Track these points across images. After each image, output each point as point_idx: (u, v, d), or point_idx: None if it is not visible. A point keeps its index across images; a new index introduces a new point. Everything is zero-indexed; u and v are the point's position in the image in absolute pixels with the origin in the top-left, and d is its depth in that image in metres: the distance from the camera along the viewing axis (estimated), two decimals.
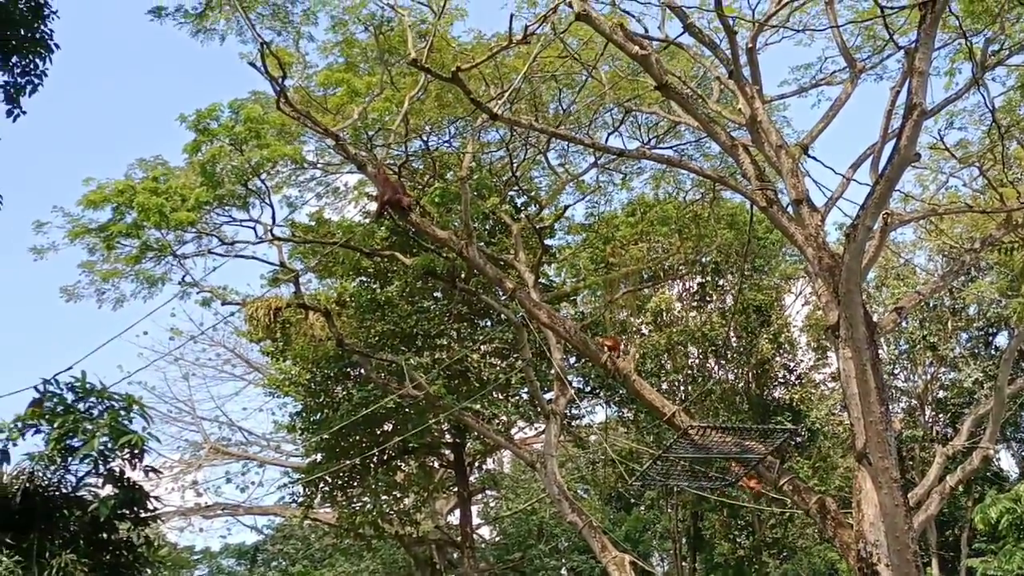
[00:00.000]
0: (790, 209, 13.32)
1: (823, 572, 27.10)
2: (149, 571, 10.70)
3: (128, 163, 20.78)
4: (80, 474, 10.60)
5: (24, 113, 11.00)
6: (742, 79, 13.64)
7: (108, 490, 10.50)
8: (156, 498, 10.99)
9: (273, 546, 43.50)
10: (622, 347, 16.31)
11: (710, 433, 13.49)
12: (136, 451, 10.44)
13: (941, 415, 32.00)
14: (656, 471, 14.28)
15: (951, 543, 30.52)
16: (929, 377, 32.20)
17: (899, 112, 12.97)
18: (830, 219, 14.51)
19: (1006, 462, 34.12)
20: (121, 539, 10.57)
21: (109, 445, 10.33)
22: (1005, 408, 21.68)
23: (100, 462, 10.42)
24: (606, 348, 15.09)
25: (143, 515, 10.77)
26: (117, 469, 10.61)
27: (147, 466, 10.89)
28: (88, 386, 10.71)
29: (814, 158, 14.02)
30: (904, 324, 31.46)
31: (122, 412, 10.50)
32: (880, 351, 31.43)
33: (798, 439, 29.27)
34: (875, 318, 13.60)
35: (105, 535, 10.37)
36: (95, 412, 10.43)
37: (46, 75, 11.06)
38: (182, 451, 36.36)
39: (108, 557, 10.34)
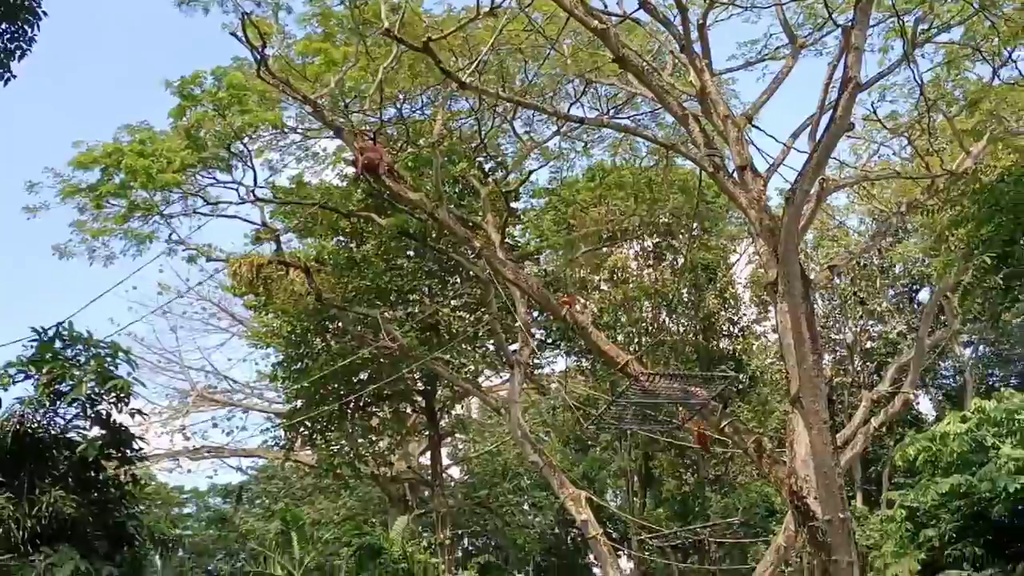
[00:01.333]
0: (735, 175, 13.38)
1: (759, 504, 27.60)
2: (137, 508, 10.59)
3: (116, 127, 20.41)
4: (68, 417, 10.47)
5: (14, 77, 10.73)
6: (693, 53, 13.62)
7: (96, 432, 10.38)
8: (142, 439, 10.87)
9: (257, 486, 43.48)
10: (580, 304, 16.40)
11: (658, 380, 13.65)
12: (122, 395, 10.28)
13: (868, 364, 32.52)
14: (609, 415, 14.42)
15: (874, 479, 31.22)
16: (858, 329, 32.69)
17: (836, 85, 13.03)
18: (772, 185, 14.55)
19: (925, 407, 34.88)
20: (109, 477, 10.45)
21: (96, 390, 10.18)
22: (925, 357, 22.14)
23: (88, 406, 10.27)
24: (565, 304, 15.16)
25: (129, 455, 10.63)
26: (104, 412, 10.46)
27: (133, 409, 10.76)
28: (75, 334, 10.55)
29: (758, 127, 14.07)
30: (837, 281, 31.82)
31: (108, 359, 10.33)
32: (815, 306, 31.88)
33: (739, 386, 29.64)
34: (811, 275, 13.76)
35: (93, 474, 10.26)
36: (82, 359, 10.26)
37: (35, 41, 10.79)
38: (170, 398, 36.23)
39: (96, 494, 10.24)
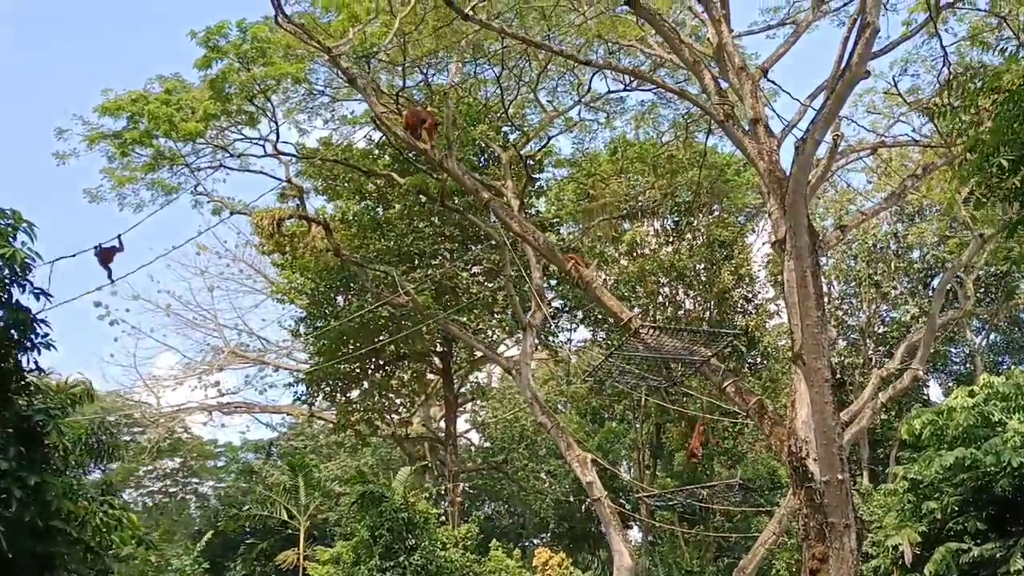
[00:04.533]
0: (749, 130, 12.44)
1: (764, 476, 26.68)
2: (47, 402, 9.31)
3: (147, 78, 19.84)
4: None
5: None
6: (711, 4, 12.69)
7: None
8: (44, 322, 9.25)
9: (286, 442, 43.37)
10: (586, 264, 15.52)
11: (661, 335, 12.81)
12: (18, 269, 8.98)
13: (880, 347, 31.33)
14: (611, 367, 13.60)
15: (882, 459, 30.15)
16: (871, 312, 31.47)
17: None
18: (787, 150, 13.64)
19: (935, 392, 33.59)
20: (10, 365, 9.03)
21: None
22: (934, 336, 21.03)
23: None
24: (571, 259, 14.37)
25: (36, 341, 9.14)
26: (5, 293, 9.02)
27: (38, 288, 9.21)
28: None
29: (773, 82, 13.13)
30: (852, 264, 30.67)
31: (9, 228, 9.05)
32: (829, 288, 30.72)
33: (750, 360, 28.67)
34: (820, 234, 12.82)
35: None
36: None
37: None
38: (204, 353, 36.02)
39: None
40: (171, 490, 48.55)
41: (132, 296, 33.60)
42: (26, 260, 8.94)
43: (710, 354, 12.54)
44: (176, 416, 37.82)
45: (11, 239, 8.89)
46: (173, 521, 43.86)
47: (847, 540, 10.97)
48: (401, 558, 18.42)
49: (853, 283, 31.61)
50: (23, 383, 9.08)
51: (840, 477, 11.07)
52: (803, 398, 12.00)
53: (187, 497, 49.67)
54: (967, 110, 12.94)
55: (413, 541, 18.75)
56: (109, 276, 13.29)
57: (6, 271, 8.83)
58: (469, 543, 21.19)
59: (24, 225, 8.97)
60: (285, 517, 23.02)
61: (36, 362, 9.21)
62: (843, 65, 10.42)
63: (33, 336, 9.13)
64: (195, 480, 48.57)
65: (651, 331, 12.52)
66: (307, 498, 22.87)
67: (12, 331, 8.98)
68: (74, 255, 11.05)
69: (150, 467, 44.32)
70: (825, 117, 10.53)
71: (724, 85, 13.27)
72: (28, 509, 8.37)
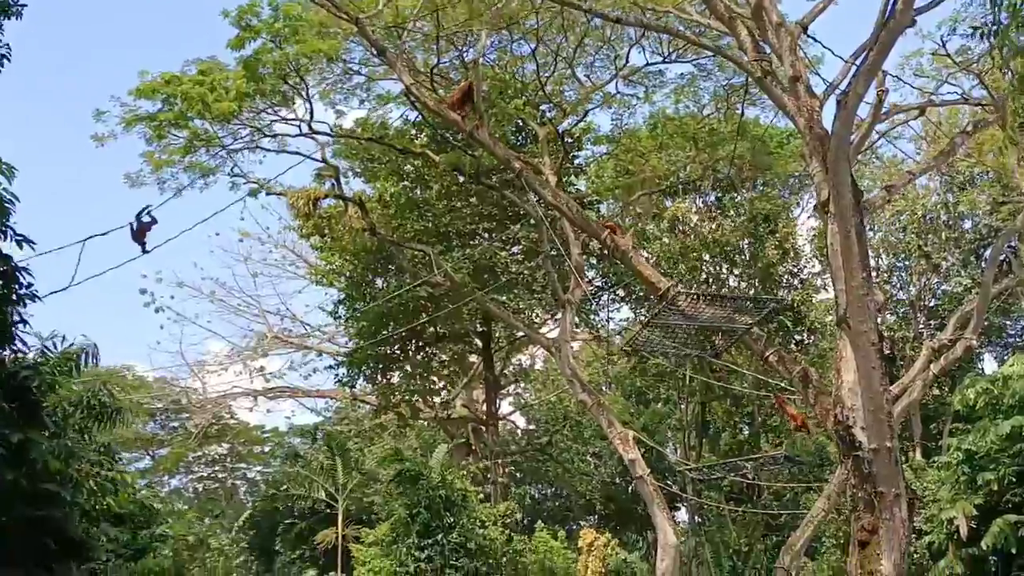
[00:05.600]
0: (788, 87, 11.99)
1: (812, 453, 26.09)
2: (34, 359, 8.84)
3: (184, 60, 19.85)
4: None
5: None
6: None
7: None
8: (27, 271, 8.54)
9: (331, 426, 43.73)
10: (621, 233, 15.19)
11: (701, 302, 12.46)
12: None
13: (931, 321, 30.45)
14: (649, 337, 13.28)
15: (935, 435, 29.35)
16: (921, 285, 30.57)
17: None
18: (828, 113, 13.10)
19: (989, 367, 32.53)
20: None
21: None
22: (988, 304, 20.24)
23: None
24: (607, 227, 14.08)
25: (20, 292, 8.53)
26: None
27: (20, 236, 8.59)
28: None
29: (813, 38, 12.61)
30: (901, 236, 29.82)
31: None
32: (867, 226, 29.81)
33: (797, 338, 28.03)
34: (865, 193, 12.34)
35: None
36: None
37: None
38: (248, 340, 36.39)
39: None
40: (220, 476, 49.37)
41: (177, 283, 34.08)
42: (4, 204, 8.49)
43: (751, 322, 12.16)
44: (222, 402, 38.35)
45: None
46: (223, 507, 44.59)
47: (897, 511, 10.59)
48: (439, 536, 18.36)
49: (902, 256, 30.77)
50: (9, 336, 8.66)
51: (889, 445, 10.68)
52: (849, 364, 11.60)
53: (236, 483, 50.47)
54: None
55: (451, 519, 18.67)
56: (143, 249, 13.32)
57: None
58: (509, 520, 21.07)
59: (5, 167, 8.45)
60: (323, 497, 23.18)
61: (21, 315, 8.73)
62: (887, 13, 9.96)
63: (16, 287, 8.55)
64: (243, 465, 49.31)
65: (689, 299, 12.17)
66: (345, 478, 22.96)
67: None
68: (105, 233, 10.97)
69: (198, 453, 45.07)
70: (868, 68, 10.06)
71: (766, 50, 12.84)
72: (14, 468, 7.89)
